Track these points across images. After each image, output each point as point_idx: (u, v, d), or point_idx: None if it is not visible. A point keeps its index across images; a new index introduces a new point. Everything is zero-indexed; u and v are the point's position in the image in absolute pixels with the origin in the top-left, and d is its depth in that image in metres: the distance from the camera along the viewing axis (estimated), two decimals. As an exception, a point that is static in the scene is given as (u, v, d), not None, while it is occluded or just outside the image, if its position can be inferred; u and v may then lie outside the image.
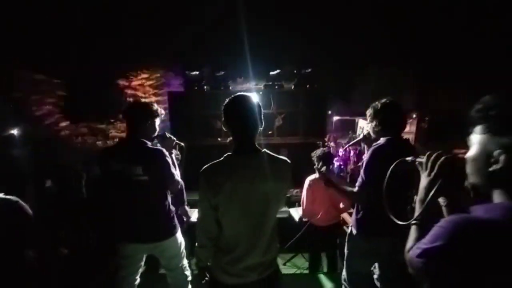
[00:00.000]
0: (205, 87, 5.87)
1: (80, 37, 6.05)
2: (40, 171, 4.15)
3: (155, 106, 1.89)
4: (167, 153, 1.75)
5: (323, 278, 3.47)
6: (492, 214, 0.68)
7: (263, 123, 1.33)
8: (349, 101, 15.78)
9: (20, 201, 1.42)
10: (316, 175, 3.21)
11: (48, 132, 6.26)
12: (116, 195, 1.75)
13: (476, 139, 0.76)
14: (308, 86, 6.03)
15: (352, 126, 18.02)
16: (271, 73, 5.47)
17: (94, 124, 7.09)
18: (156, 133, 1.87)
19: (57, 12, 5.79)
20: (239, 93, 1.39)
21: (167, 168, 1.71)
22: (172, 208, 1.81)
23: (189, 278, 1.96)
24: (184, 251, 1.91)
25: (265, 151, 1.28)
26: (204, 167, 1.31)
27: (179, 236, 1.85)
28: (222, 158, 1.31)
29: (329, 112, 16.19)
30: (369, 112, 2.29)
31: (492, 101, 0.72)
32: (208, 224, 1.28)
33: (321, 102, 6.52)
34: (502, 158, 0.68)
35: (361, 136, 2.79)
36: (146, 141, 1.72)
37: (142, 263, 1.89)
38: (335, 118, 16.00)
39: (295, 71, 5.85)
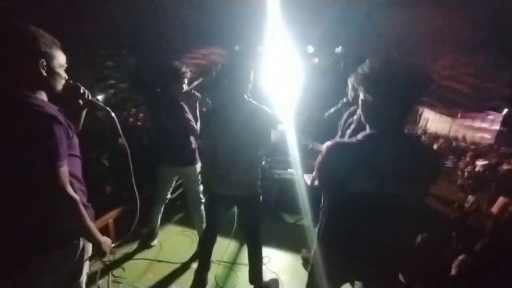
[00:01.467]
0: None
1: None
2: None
3: (183, 69, 2.32)
4: (185, 107, 2.27)
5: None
6: (358, 137, 1.06)
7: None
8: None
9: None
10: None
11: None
12: (158, 132, 2.44)
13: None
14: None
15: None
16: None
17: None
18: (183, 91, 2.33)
19: None
20: None
21: (184, 117, 2.25)
22: (194, 145, 2.41)
23: (203, 200, 2.50)
24: (201, 179, 2.42)
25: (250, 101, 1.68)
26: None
27: (198, 167, 2.42)
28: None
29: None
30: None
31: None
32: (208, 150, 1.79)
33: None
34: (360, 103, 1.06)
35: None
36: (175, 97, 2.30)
37: (173, 184, 2.47)
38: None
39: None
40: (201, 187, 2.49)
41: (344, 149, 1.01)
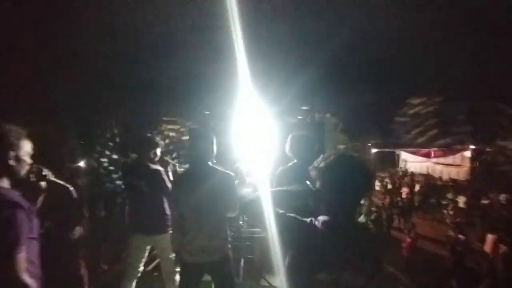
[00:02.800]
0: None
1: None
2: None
3: (156, 139, 2.51)
4: (163, 172, 2.32)
5: None
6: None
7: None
8: (390, 132, 14.99)
9: None
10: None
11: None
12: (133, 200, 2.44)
13: None
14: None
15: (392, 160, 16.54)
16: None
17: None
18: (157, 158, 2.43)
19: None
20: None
21: (164, 183, 2.28)
22: (168, 212, 2.31)
23: (177, 269, 2.31)
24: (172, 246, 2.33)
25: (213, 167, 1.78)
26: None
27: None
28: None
29: (369, 144, 15.51)
30: None
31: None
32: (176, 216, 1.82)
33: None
34: None
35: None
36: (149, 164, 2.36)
37: (146, 255, 2.40)
38: (374, 150, 15.22)
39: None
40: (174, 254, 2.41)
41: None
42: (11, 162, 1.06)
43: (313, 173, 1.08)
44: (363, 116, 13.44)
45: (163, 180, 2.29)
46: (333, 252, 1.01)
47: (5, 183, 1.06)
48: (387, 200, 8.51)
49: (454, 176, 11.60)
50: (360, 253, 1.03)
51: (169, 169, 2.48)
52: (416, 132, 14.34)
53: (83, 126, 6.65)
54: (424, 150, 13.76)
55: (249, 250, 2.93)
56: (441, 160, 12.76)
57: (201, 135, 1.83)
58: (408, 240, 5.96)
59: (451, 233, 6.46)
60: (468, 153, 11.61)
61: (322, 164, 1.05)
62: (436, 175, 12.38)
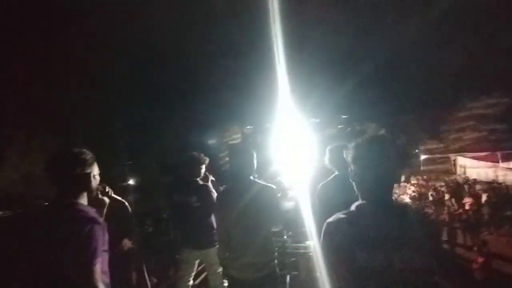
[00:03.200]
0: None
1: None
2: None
3: (202, 156, 2.63)
4: (211, 187, 2.50)
5: None
6: (352, 208, 1.08)
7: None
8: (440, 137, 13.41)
9: None
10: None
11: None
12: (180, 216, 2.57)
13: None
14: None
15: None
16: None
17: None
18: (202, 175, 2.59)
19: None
20: None
21: (212, 198, 2.39)
22: (215, 226, 2.36)
23: (225, 284, 2.35)
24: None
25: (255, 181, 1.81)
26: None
27: None
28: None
29: (417, 150, 14.08)
30: None
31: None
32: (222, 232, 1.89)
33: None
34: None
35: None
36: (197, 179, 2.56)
37: (195, 268, 2.53)
38: (423, 156, 13.71)
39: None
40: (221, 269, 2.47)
41: (343, 221, 1.06)
42: (91, 182, 1.24)
43: (347, 155, 1.13)
44: (408, 123, 12.40)
45: (212, 195, 2.39)
46: (380, 233, 0.99)
47: (84, 200, 1.23)
48: (446, 213, 7.51)
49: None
50: (410, 232, 0.99)
51: (210, 184, 2.59)
52: (478, 133, 12.57)
53: (132, 149, 7.35)
54: (489, 154, 11.90)
55: (294, 266, 2.84)
56: (512, 164, 10.85)
57: (241, 150, 1.89)
58: (480, 259, 5.12)
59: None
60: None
61: (353, 144, 1.10)
62: (509, 182, 10.53)
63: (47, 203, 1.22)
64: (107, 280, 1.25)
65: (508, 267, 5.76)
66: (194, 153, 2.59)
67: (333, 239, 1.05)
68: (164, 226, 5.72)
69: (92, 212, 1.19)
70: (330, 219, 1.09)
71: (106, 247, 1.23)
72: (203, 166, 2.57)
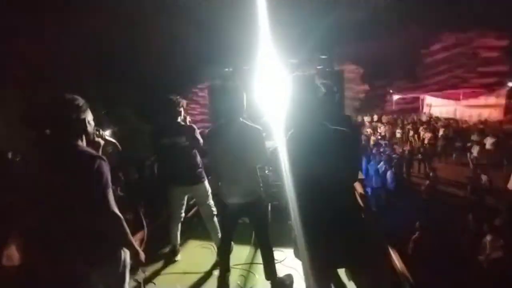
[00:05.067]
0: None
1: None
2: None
3: (179, 98, 2.62)
4: (196, 127, 2.60)
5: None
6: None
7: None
8: (414, 76, 13.85)
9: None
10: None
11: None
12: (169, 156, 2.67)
13: None
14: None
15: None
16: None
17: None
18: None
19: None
20: None
21: (198, 138, 2.55)
22: (201, 164, 2.66)
23: (215, 212, 2.71)
24: (210, 193, 2.70)
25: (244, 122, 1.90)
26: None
27: (207, 183, 2.71)
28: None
29: (390, 90, 14.62)
30: None
31: None
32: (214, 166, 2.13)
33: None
34: None
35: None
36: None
37: (184, 202, 2.76)
38: (396, 96, 14.39)
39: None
40: (211, 201, 2.77)
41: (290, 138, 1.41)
42: (87, 127, 1.30)
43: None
44: (384, 60, 12.45)
45: (198, 134, 2.49)
46: (300, 153, 1.36)
47: (83, 143, 1.31)
48: (408, 147, 8.43)
49: (485, 117, 10.92)
50: (333, 152, 1.26)
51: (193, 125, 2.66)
52: (443, 73, 13.14)
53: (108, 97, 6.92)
54: (451, 92, 12.75)
55: (275, 197, 3.24)
56: (472, 102, 11.88)
57: (232, 91, 1.90)
58: (427, 182, 6.09)
59: (472, 174, 6.47)
60: (503, 92, 10.66)
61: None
62: (466, 118, 11.71)
63: (42, 145, 1.25)
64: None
65: (448, 188, 6.95)
66: (171, 96, 2.57)
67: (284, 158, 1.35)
68: (149, 171, 5.94)
69: (94, 151, 1.27)
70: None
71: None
72: (182, 108, 2.60)
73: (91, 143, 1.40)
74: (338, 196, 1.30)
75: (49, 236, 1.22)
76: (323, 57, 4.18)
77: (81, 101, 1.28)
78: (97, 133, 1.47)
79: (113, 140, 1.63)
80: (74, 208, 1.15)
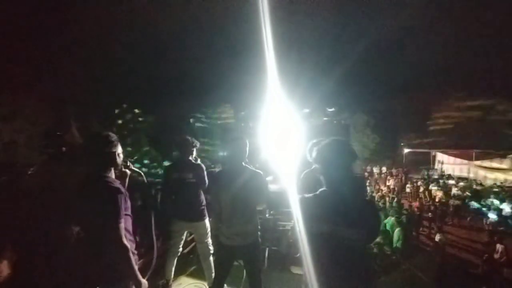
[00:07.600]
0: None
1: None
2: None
3: (195, 140, 2.82)
4: (203, 166, 2.80)
5: None
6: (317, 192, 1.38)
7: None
8: (425, 132, 14.00)
9: None
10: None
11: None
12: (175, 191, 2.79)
13: None
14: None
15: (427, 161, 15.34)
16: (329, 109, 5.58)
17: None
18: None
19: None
20: None
21: (204, 176, 2.72)
22: (204, 202, 2.73)
23: (211, 251, 2.77)
24: (209, 232, 2.75)
25: (246, 166, 2.06)
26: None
27: (207, 221, 2.77)
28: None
29: (401, 144, 14.69)
30: None
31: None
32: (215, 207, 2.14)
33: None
34: None
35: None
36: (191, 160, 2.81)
37: (184, 238, 2.82)
38: (406, 150, 14.37)
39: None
40: (210, 240, 2.79)
41: (308, 200, 1.39)
42: (117, 159, 1.53)
43: (310, 153, 1.45)
44: (396, 113, 12.78)
45: (205, 173, 2.67)
46: (329, 210, 1.34)
47: (112, 173, 1.52)
48: (417, 204, 8.15)
49: (501, 181, 10.52)
50: (353, 213, 1.33)
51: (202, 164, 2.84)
52: (457, 131, 13.20)
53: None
54: (464, 151, 12.61)
55: (275, 242, 3.21)
56: (485, 163, 11.61)
57: (236, 138, 2.12)
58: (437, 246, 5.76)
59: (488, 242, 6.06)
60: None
61: (315, 147, 1.44)
62: (479, 179, 11.32)
63: (85, 176, 1.49)
64: (132, 238, 1.53)
65: (462, 254, 6.49)
66: (187, 136, 2.84)
67: (302, 210, 1.40)
68: (153, 201, 6.00)
69: (117, 183, 1.44)
70: (302, 197, 1.43)
71: (129, 211, 1.51)
72: (195, 148, 2.83)
73: (119, 173, 1.60)
74: (358, 254, 1.34)
75: (59, 257, 1.36)
76: (330, 110, 4.47)
77: (113, 137, 1.50)
78: (125, 164, 1.68)
79: (138, 170, 1.83)
80: (88, 233, 1.30)
